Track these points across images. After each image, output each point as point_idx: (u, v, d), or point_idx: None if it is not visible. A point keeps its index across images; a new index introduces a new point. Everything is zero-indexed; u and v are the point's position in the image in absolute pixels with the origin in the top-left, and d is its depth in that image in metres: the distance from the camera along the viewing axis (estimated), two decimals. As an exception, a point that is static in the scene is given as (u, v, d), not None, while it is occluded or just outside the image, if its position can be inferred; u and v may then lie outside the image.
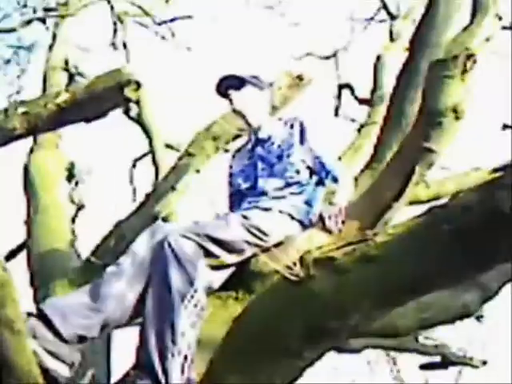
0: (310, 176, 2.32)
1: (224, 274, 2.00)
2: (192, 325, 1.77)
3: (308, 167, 2.31)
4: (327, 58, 6.29)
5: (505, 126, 4.14)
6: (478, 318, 3.88)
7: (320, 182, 2.35)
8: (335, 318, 1.09)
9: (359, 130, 4.31)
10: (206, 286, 1.87)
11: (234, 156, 2.55)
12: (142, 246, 1.94)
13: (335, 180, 2.33)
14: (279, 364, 1.20)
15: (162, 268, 1.82)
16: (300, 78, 3.03)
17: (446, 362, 4.05)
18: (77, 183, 6.62)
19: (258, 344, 1.18)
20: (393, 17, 5.49)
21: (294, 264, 1.16)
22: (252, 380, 1.21)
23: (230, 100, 2.34)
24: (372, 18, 6.60)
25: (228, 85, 2.34)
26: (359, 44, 6.71)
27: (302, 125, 2.35)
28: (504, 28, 2.72)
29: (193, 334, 1.76)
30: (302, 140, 2.33)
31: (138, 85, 1.33)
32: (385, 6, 5.65)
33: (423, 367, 4.38)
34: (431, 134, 1.88)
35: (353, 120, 5.69)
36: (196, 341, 1.77)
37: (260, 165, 2.33)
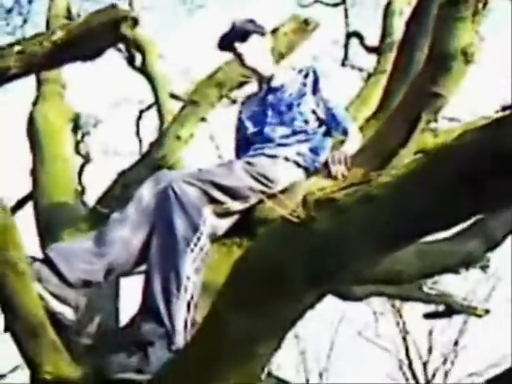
0: (319, 126, 2.30)
1: (229, 221, 2.01)
2: (196, 270, 1.78)
3: (318, 118, 2.29)
4: (335, 5, 6.13)
5: (516, 75, 4.04)
6: (483, 268, 3.89)
7: (328, 133, 2.33)
8: (336, 260, 1.09)
9: (367, 80, 4.23)
10: (210, 232, 1.87)
11: (243, 103, 2.53)
12: (146, 192, 1.94)
13: (345, 132, 2.31)
14: (280, 306, 1.21)
15: (167, 214, 1.83)
16: (306, 22, 2.95)
17: (450, 311, 4.09)
18: (83, 135, 6.61)
19: (258, 287, 1.18)
20: (404, -39, 5.30)
21: (297, 207, 1.14)
22: (253, 321, 1.22)
23: (238, 55, 2.29)
24: (382, -37, 6.37)
25: (232, 38, 2.28)
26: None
27: (315, 74, 2.33)
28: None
29: (197, 279, 1.78)
30: (315, 90, 2.30)
31: (135, 21, 1.30)
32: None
33: (427, 316, 4.45)
34: (439, 79, 1.83)
35: (361, 69, 5.59)
36: (200, 286, 1.80)
37: (270, 112, 2.31)
